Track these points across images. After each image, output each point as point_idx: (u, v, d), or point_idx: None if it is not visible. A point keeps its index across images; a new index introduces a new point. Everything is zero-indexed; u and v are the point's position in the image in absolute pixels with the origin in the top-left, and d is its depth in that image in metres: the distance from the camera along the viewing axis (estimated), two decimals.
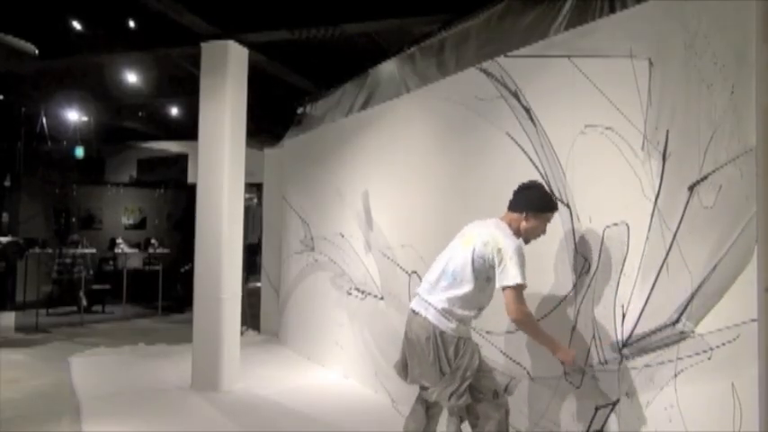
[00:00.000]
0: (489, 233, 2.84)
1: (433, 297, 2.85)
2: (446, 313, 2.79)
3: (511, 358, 3.54)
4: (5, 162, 10.15)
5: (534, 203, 2.90)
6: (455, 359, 2.75)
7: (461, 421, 2.91)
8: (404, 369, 3.00)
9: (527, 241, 2.92)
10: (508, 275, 2.70)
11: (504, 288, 2.72)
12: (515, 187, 3.00)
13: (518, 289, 2.69)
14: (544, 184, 3.19)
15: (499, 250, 2.75)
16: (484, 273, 2.81)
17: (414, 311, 2.92)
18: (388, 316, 4.89)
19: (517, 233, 2.88)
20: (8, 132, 9.64)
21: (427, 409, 2.98)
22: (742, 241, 2.33)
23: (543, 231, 2.97)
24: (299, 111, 7.40)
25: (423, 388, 2.95)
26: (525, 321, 2.77)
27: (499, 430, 2.77)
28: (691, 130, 2.54)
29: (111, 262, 10.48)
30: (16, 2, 5.33)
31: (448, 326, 2.77)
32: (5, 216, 10.63)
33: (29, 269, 8.96)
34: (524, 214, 2.89)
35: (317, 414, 4.52)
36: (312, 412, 4.57)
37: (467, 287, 2.80)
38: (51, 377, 5.50)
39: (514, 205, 2.94)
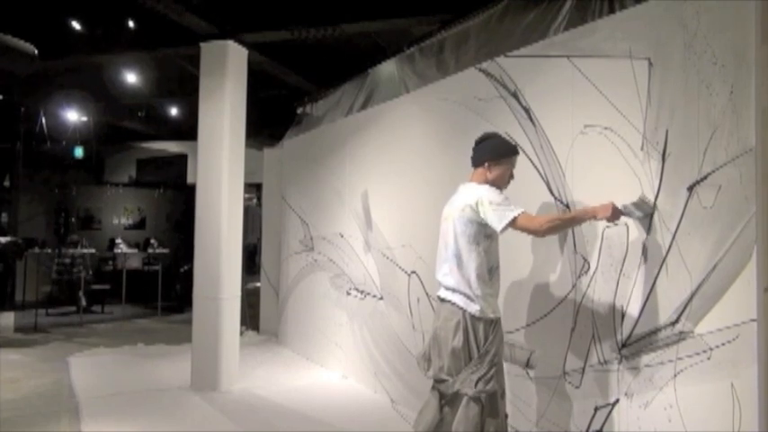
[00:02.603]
0: (460, 200, 2.86)
1: (452, 282, 2.83)
2: (469, 293, 2.76)
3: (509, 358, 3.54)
4: (5, 162, 10.15)
5: (492, 151, 2.90)
6: (484, 343, 2.72)
7: (482, 409, 2.74)
8: (426, 361, 2.96)
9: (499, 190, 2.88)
10: (501, 216, 2.67)
11: (511, 225, 2.66)
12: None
13: (521, 217, 2.65)
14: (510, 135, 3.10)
15: (476, 203, 2.74)
16: (481, 234, 2.79)
17: (441, 299, 2.91)
18: (388, 316, 4.88)
19: (486, 184, 2.88)
20: (8, 132, 9.64)
21: (441, 407, 2.90)
22: (741, 241, 2.33)
23: (511, 177, 2.96)
24: (299, 111, 7.40)
25: (439, 382, 2.88)
26: (551, 228, 2.68)
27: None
28: (690, 131, 2.55)
29: (110, 262, 10.48)
30: (16, 2, 5.33)
31: (475, 308, 2.75)
32: (5, 216, 10.64)
33: (28, 269, 8.96)
34: (486, 165, 2.89)
35: (316, 414, 4.52)
36: (311, 412, 4.56)
37: (473, 260, 2.78)
38: (50, 377, 5.50)
39: (475, 160, 2.95)
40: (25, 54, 4.68)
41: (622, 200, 2.82)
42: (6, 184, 10.46)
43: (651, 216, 2.70)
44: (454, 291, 2.82)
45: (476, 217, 2.76)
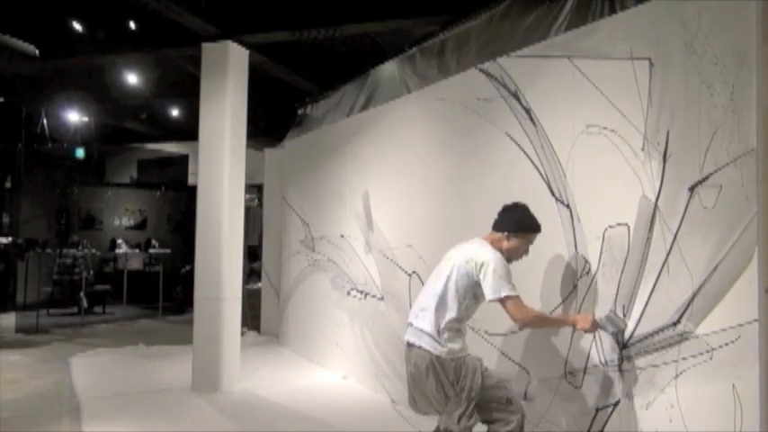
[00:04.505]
0: (470, 250, 2.86)
1: (424, 323, 2.83)
2: (438, 337, 2.77)
3: (511, 359, 3.54)
4: (6, 163, 10.17)
5: (515, 224, 2.91)
6: (458, 382, 2.74)
7: None
8: (413, 401, 2.98)
9: (509, 261, 2.89)
10: (497, 288, 2.70)
11: (500, 301, 2.71)
12: (506, 203, 3.00)
13: (512, 300, 2.70)
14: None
15: (482, 264, 2.75)
16: (470, 290, 2.81)
17: (409, 343, 2.91)
18: (388, 316, 4.88)
19: (499, 252, 2.87)
20: (9, 134, 9.65)
21: None
22: (742, 242, 2.32)
23: (526, 252, 2.96)
24: (300, 112, 7.41)
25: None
26: (532, 323, 2.82)
27: None
28: (691, 131, 2.54)
29: (111, 263, 10.48)
30: (17, 3, 5.34)
31: (442, 350, 2.76)
32: (6, 217, 10.65)
33: (29, 270, 8.96)
34: (506, 234, 2.89)
35: (317, 415, 4.51)
36: (312, 413, 4.56)
37: (453, 310, 2.80)
38: (52, 378, 5.50)
39: (497, 225, 2.96)
40: (26, 55, 4.69)
41: (622, 201, 2.83)
42: (8, 185, 10.48)
43: (623, 332, 2.80)
44: (422, 332, 2.82)
45: (474, 275, 2.78)
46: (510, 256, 2.90)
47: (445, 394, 2.75)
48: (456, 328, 2.81)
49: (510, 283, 2.72)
